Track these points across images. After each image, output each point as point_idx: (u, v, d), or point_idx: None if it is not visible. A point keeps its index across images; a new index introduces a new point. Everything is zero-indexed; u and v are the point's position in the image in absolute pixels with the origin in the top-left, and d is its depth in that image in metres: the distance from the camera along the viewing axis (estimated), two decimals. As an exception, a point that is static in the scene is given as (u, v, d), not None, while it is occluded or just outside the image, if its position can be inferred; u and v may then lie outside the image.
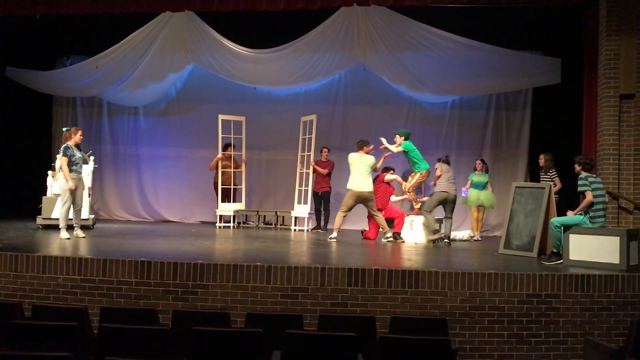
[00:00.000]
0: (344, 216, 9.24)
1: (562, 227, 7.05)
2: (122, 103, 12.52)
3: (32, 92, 11.79)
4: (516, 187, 8.28)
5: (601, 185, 7.10)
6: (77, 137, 8.30)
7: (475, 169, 10.31)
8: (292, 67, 10.76)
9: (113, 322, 4.13)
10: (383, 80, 11.02)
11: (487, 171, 10.32)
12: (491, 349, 5.63)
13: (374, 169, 9.18)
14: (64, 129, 8.37)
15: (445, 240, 9.04)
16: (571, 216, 7.11)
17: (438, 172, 9.12)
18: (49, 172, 9.57)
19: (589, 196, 6.94)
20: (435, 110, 11.83)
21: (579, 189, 7.08)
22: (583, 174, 7.13)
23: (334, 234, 9.00)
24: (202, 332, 3.83)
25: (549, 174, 8.86)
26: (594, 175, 7.24)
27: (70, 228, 8.18)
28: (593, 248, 6.70)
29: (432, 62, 10.08)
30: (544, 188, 7.82)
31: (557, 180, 8.77)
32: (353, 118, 12.12)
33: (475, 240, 10.00)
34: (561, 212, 7.61)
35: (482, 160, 10.38)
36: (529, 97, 11.45)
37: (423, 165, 9.11)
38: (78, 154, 8.22)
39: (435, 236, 8.92)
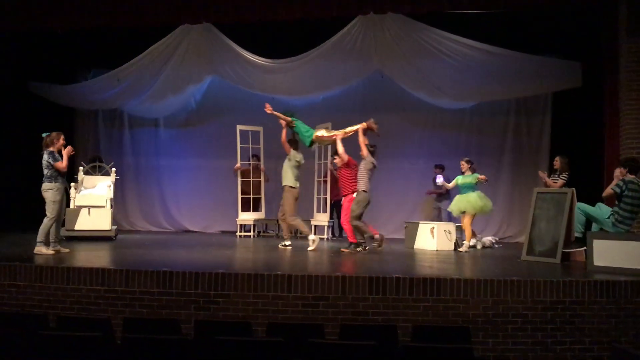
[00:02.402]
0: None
1: (585, 216, 7.01)
2: (143, 115, 12.68)
3: (54, 106, 11.99)
4: (538, 192, 8.19)
5: (638, 195, 6.93)
6: (60, 144, 7.67)
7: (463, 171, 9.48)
8: (310, 76, 10.80)
9: (136, 332, 4.17)
10: (401, 87, 11.00)
11: (474, 172, 9.38)
12: (515, 357, 5.55)
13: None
14: (44, 135, 7.70)
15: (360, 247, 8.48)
16: (598, 210, 6.99)
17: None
18: (72, 185, 9.70)
19: (606, 191, 6.99)
20: (454, 116, 11.77)
21: (614, 187, 6.98)
22: (629, 177, 6.96)
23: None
24: (224, 341, 3.85)
25: (562, 176, 8.65)
26: (637, 181, 6.99)
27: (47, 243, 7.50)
28: (618, 253, 6.58)
29: (450, 68, 10.03)
30: (566, 193, 7.72)
31: (561, 182, 8.51)
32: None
33: (459, 250, 9.07)
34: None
35: (468, 160, 9.46)
36: (549, 102, 11.35)
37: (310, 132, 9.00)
38: None
39: (359, 248, 8.42)
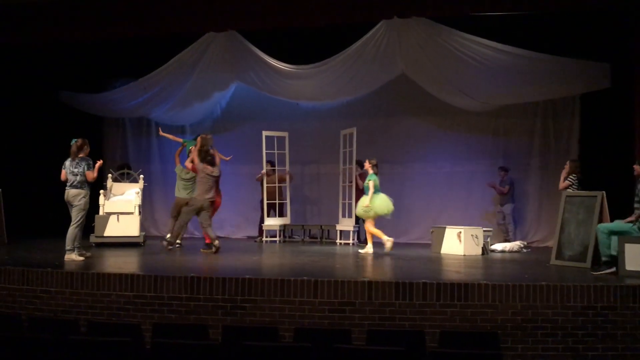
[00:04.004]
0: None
1: (611, 235, 6.85)
2: (170, 122, 12.81)
3: (83, 114, 12.22)
4: (566, 196, 8.08)
5: None
6: (88, 150, 7.79)
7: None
8: (334, 82, 10.80)
9: (165, 337, 4.21)
10: (426, 90, 10.92)
11: (375, 171, 9.15)
12: (545, 364, 5.48)
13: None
14: (73, 141, 7.75)
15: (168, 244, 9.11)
16: (620, 224, 6.89)
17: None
18: (101, 192, 9.86)
19: None
20: (480, 119, 11.65)
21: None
22: None
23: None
24: (251, 347, 3.87)
25: (569, 178, 8.56)
26: None
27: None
28: (651, 258, 6.45)
29: (475, 71, 9.93)
30: (596, 197, 7.59)
31: (566, 184, 8.49)
32: (396, 129, 12.09)
33: (359, 251, 9.13)
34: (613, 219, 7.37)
35: (371, 161, 9.23)
36: (577, 104, 11.15)
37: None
38: None
39: (169, 247, 9.00)
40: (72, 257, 7.37)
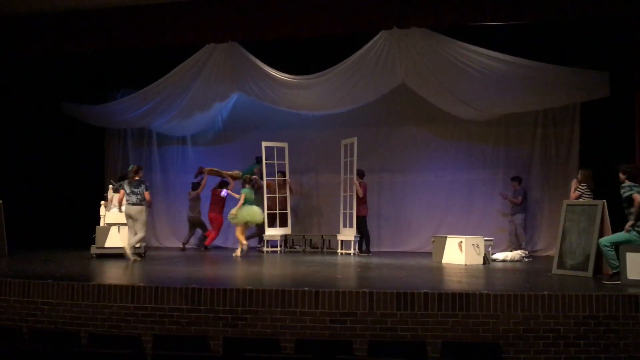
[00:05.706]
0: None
1: (613, 246, 6.84)
2: (171, 133, 12.86)
3: (84, 125, 12.27)
4: (567, 205, 8.07)
5: None
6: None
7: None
8: (335, 92, 10.81)
9: (166, 349, 4.21)
10: (426, 99, 10.94)
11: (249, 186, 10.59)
12: (548, 374, 5.45)
13: None
14: (131, 167, 9.31)
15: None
16: (620, 234, 6.89)
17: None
18: (102, 203, 9.87)
19: (638, 198, 6.75)
20: (481, 127, 11.68)
21: (624, 195, 6.85)
22: (627, 183, 6.92)
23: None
24: (252, 358, 3.86)
25: (578, 188, 8.44)
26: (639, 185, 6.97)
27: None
28: (652, 266, 6.43)
29: (475, 80, 9.95)
30: (597, 205, 7.59)
31: (576, 194, 8.27)
32: (397, 138, 12.11)
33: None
34: (615, 231, 7.36)
35: (245, 176, 11.09)
36: (577, 113, 11.17)
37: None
38: None
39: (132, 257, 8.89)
40: (136, 256, 8.85)
